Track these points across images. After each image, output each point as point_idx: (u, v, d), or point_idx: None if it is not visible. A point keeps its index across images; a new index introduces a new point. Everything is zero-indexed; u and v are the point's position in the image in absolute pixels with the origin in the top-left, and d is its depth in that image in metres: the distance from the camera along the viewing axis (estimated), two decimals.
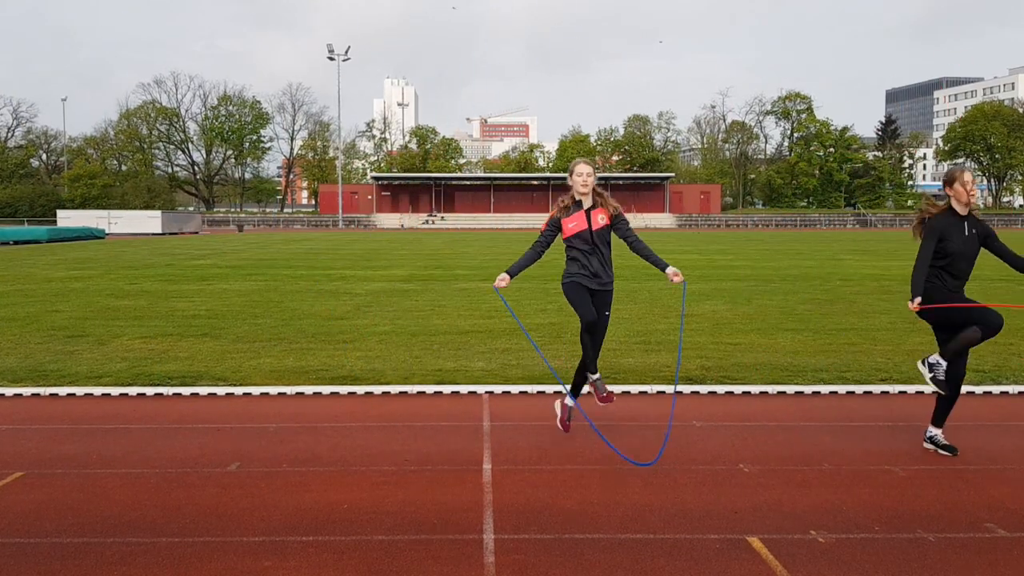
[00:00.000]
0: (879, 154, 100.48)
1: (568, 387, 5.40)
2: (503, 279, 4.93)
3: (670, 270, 4.80)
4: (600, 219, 4.91)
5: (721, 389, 6.61)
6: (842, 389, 6.63)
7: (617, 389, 6.61)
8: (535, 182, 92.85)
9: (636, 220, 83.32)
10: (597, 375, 5.11)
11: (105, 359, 7.97)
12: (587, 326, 4.90)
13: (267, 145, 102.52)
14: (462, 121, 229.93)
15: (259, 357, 8.08)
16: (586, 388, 5.27)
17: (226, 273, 19.48)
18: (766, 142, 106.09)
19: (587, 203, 4.95)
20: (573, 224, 4.91)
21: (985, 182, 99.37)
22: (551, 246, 5.17)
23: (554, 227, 5.01)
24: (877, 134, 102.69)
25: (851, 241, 42.31)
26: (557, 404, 5.37)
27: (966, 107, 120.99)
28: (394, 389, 6.63)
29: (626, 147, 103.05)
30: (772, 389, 6.63)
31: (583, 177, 4.89)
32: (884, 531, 3.77)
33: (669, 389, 6.59)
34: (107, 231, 55.41)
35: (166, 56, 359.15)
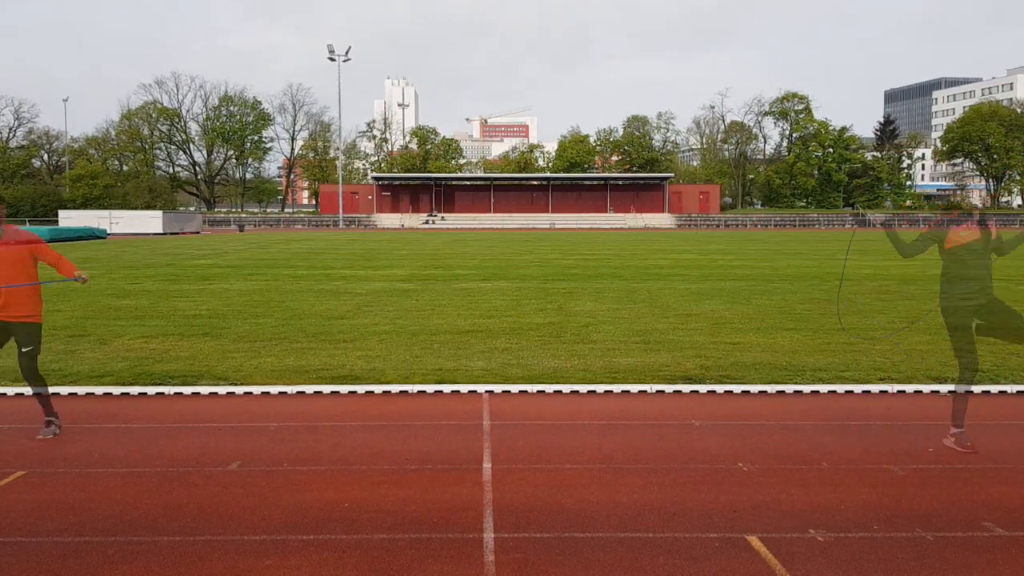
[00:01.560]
0: (877, 154, 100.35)
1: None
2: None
3: None
4: (990, 233, 5.02)
5: (720, 388, 6.63)
6: (841, 388, 6.65)
7: (617, 389, 6.64)
8: (535, 182, 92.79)
9: (635, 220, 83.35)
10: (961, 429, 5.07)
11: (106, 358, 7.98)
12: (969, 377, 5.01)
13: (268, 145, 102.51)
14: (462, 121, 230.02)
15: (260, 357, 8.09)
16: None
17: (227, 273, 19.49)
18: (765, 142, 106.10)
19: (976, 216, 5.02)
20: (965, 233, 4.93)
21: (983, 182, 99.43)
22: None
23: (934, 238, 5.00)
24: (876, 134, 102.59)
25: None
26: (951, 441, 5.09)
27: (964, 107, 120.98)
28: (394, 388, 6.65)
29: (625, 147, 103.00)
30: (771, 388, 6.65)
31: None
32: (883, 530, 3.79)
33: (669, 389, 6.62)
34: (108, 231, 55.45)
35: (167, 56, 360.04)
